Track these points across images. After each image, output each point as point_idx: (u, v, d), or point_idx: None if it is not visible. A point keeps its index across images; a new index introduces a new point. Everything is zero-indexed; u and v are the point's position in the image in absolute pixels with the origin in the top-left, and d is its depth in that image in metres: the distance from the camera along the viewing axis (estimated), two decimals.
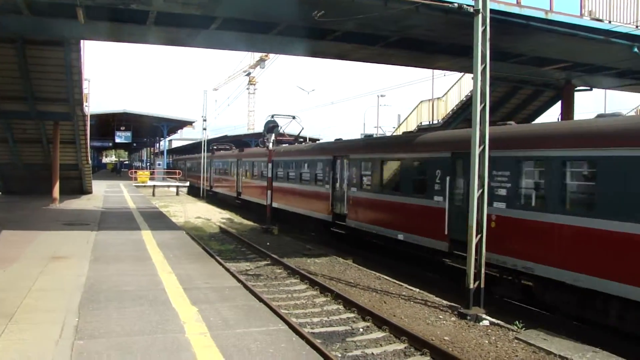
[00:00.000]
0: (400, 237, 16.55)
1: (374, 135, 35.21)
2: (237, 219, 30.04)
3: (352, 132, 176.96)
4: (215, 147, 50.70)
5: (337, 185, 21.09)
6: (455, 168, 14.44)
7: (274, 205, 26.02)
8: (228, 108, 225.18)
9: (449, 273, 15.06)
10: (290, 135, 33.69)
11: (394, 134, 34.67)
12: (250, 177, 32.57)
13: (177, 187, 48.54)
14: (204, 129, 51.94)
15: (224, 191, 38.79)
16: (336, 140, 23.69)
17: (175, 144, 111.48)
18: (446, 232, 14.43)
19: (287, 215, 25.23)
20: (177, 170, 58.46)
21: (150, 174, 56.20)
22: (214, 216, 30.27)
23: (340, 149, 21.48)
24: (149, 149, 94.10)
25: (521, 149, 12.35)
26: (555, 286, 11.46)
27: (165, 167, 61.09)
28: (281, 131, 26.23)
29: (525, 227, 11.99)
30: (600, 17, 16.09)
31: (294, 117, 26.89)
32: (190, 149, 77.98)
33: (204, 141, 49.76)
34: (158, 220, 22.17)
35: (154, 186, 46.60)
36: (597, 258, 10.39)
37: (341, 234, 20.26)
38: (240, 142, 65.43)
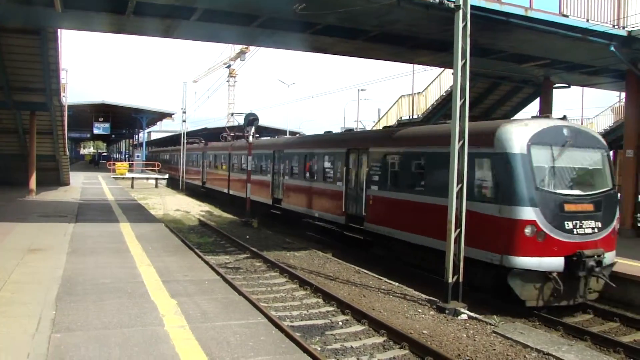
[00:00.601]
0: (316, 214, 21.14)
1: (356, 129, 37.43)
2: (217, 211, 29.93)
3: (332, 126, 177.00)
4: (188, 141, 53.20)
5: (276, 175, 25.51)
6: (349, 161, 19.02)
7: (232, 192, 31.71)
8: (208, 100, 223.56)
9: (347, 241, 19.10)
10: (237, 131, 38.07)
11: (374, 128, 34.81)
12: (212, 168, 37.10)
13: (156, 179, 48.15)
14: (184, 121, 51.56)
15: (193, 181, 43.64)
16: (278, 137, 29.79)
17: (155, 136, 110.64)
18: (343, 209, 19.07)
19: (242, 200, 28.06)
20: (156, 163, 58.03)
21: (129, 166, 55.70)
22: (193, 209, 30.11)
23: (279, 145, 25.88)
24: (127, 140, 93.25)
25: (385, 147, 16.83)
26: (404, 245, 15.71)
27: (144, 159, 60.54)
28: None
29: (388, 204, 16.50)
30: (578, 16, 16.29)
31: (232, 114, 36.00)
32: (169, 141, 77.50)
33: (183, 133, 49.42)
34: (137, 213, 21.99)
35: (133, 178, 46.16)
36: (425, 223, 14.64)
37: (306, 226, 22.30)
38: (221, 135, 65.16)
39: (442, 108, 28.09)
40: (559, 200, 12.32)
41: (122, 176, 49.24)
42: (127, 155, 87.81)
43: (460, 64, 11.82)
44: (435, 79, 28.73)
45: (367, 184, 17.65)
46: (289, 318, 11.04)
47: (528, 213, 12.06)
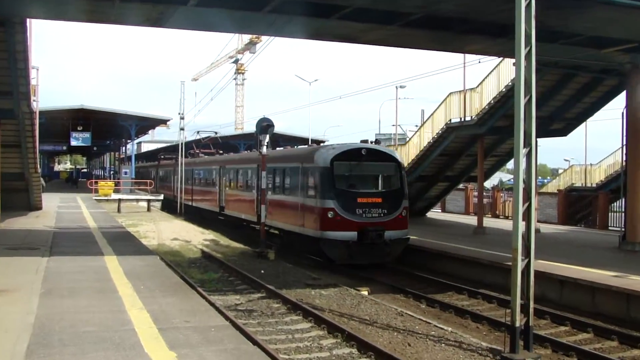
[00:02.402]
0: (243, 216, 33.94)
1: (392, 136, 43.40)
2: (224, 240, 30.08)
3: (364, 132, 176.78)
4: (163, 157, 62.86)
5: (222, 187, 38.24)
6: (259, 173, 28.91)
7: (192, 204, 45.30)
8: (212, 103, 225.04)
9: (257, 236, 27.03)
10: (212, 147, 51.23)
11: (417, 132, 34.95)
12: (198, 185, 46.49)
13: (149, 201, 48.56)
14: (182, 128, 52.21)
15: (168, 195, 53.48)
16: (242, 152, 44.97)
17: (147, 147, 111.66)
18: (255, 211, 30.87)
19: (199, 210, 44.11)
20: (148, 181, 58.60)
21: (115, 185, 56.17)
22: (194, 237, 30.30)
23: (224, 161, 39.80)
24: (112, 153, 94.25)
25: (271, 163, 27.64)
26: (285, 233, 26.99)
27: (134, 177, 61.01)
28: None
29: (274, 204, 27.57)
30: None
31: (215, 133, 54.70)
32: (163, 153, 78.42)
33: (181, 144, 49.91)
34: (125, 243, 22.14)
35: (120, 200, 46.60)
36: (288, 215, 25.94)
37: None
38: (228, 145, 65.72)
39: (502, 107, 27.91)
40: (352, 195, 23.29)
41: (106, 198, 49.68)
42: (112, 172, 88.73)
43: (523, 52, 11.75)
44: (491, 71, 28.55)
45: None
46: None
47: (330, 203, 23.06)
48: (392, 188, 24.33)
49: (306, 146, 29.39)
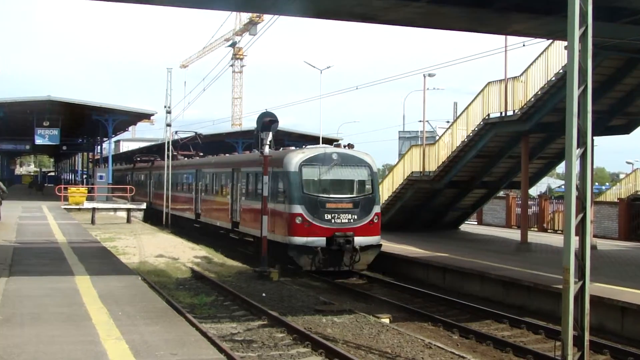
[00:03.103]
0: (218, 224, 37.24)
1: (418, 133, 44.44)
2: (218, 257, 30.11)
3: (388, 129, 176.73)
4: (138, 159, 68.31)
5: (199, 192, 42.13)
6: (234, 177, 34.22)
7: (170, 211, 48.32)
8: (204, 94, 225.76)
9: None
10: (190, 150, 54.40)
11: (449, 130, 34.91)
12: (174, 190, 49.39)
13: (128, 210, 48.55)
14: (168, 124, 52.14)
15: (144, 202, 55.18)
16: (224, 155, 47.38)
17: (127, 147, 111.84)
18: (230, 217, 34.49)
19: (177, 218, 47.68)
20: (128, 187, 58.65)
21: (88, 192, 56.25)
22: (183, 254, 30.29)
23: (200, 165, 43.78)
24: (85, 154, 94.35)
25: (245, 167, 32.79)
26: (259, 240, 27.64)
27: (111, 182, 60.98)
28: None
29: (247, 210, 31.98)
30: None
31: (196, 133, 56.63)
32: (148, 153, 78.56)
33: (168, 142, 49.98)
34: (100, 261, 22.14)
35: (94, 209, 46.55)
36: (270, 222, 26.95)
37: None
38: (223, 144, 65.79)
39: (551, 99, 27.83)
40: (321, 200, 26.71)
41: (78, 207, 49.75)
42: (85, 176, 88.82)
43: (577, 32, 11.70)
44: (538, 56, 28.45)
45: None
46: None
47: (298, 208, 26.35)
48: (364, 193, 27.74)
49: (280, 150, 32.21)
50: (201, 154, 52.66)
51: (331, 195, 27.02)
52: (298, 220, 26.01)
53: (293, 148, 31.51)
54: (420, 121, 58.66)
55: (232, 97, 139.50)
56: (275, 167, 27.80)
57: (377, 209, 27.66)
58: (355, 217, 26.89)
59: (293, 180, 26.86)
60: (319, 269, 26.36)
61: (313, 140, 64.07)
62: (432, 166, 34.75)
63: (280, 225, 27.27)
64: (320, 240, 26.10)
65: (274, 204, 27.62)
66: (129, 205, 50.43)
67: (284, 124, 60.93)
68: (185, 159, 52.16)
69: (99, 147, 77.84)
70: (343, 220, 26.61)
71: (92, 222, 43.24)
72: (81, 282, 17.58)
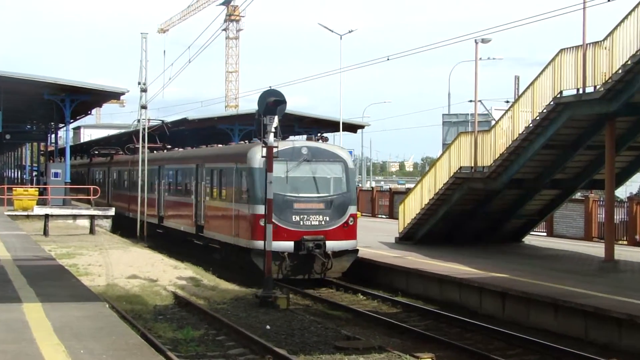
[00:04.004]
0: (182, 228, 41.14)
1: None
2: (208, 278, 30.27)
3: (424, 113, 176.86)
4: (97, 152, 73.34)
5: (161, 192, 47.07)
6: (198, 175, 38.39)
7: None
8: (190, 67, 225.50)
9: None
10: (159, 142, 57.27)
11: (508, 112, 34.52)
12: (134, 190, 52.96)
13: (92, 217, 48.33)
14: (143, 106, 51.41)
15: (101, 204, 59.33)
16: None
17: (90, 136, 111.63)
18: (194, 220, 38.86)
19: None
20: (92, 187, 58.38)
21: (40, 194, 56.06)
22: (163, 274, 30.27)
23: (163, 160, 47.90)
24: (36, 144, 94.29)
25: (210, 163, 37.81)
26: (223, 246, 34.80)
27: (69, 180, 60.44)
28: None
29: (212, 211, 36.76)
30: None
31: (163, 122, 57.72)
32: (117, 144, 78.02)
33: (143, 129, 49.76)
34: (56, 283, 22.01)
35: (47, 217, 46.45)
36: (225, 225, 34.26)
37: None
38: (214, 131, 65.53)
39: None
40: (289, 200, 30.16)
41: (26, 213, 49.73)
42: (35, 174, 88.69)
43: None
44: (629, 14, 28.17)
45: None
46: None
47: (262, 209, 27.84)
48: (337, 192, 31.41)
49: (245, 143, 37.65)
50: (169, 146, 57.51)
51: (300, 195, 30.58)
52: (262, 222, 27.59)
53: (280, 140, 32.80)
54: (470, 101, 58.48)
55: (226, 70, 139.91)
56: (240, 163, 31.85)
57: (352, 209, 31.25)
58: (327, 218, 30.54)
59: (257, 178, 30.15)
60: (286, 277, 29.69)
61: (331, 126, 64.19)
62: (487, 160, 34.14)
63: (244, 228, 30.97)
64: (287, 245, 29.44)
65: (238, 204, 31.82)
66: (92, 212, 50.33)
67: (294, 106, 60.79)
68: (155, 152, 54.52)
69: (53, 135, 77.52)
70: (313, 222, 30.26)
71: (45, 233, 43.29)
72: (31, 311, 17.38)
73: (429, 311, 25.73)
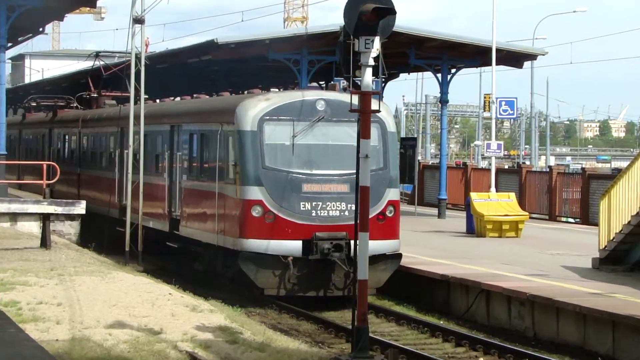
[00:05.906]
0: (150, 224, 33.01)
1: None
2: (253, 328, 22.24)
3: None
4: (35, 103, 56.23)
5: (82, 165, 43.10)
6: (122, 141, 35.54)
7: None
8: None
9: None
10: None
11: None
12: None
13: (45, 218, 36.40)
14: (138, 20, 34.27)
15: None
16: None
17: (40, 70, 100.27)
18: (117, 200, 36.24)
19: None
20: (46, 163, 44.51)
21: None
22: (172, 320, 21.64)
23: (85, 121, 43.39)
24: None
25: (187, 123, 30.16)
26: (206, 248, 27.83)
27: (3, 150, 45.63)
28: None
29: (189, 196, 29.35)
30: None
31: (97, 55, 47.60)
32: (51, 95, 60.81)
33: (137, 60, 34.46)
34: None
35: None
36: (205, 217, 27.54)
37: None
38: (264, 64, 46.90)
39: None
40: (295, 180, 23.93)
41: None
42: None
43: None
44: None
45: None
46: None
47: (254, 192, 23.54)
48: (369, 168, 20.72)
49: (232, 95, 29.74)
50: (146, 96, 37.55)
51: (312, 172, 23.96)
52: (255, 211, 23.01)
53: (278, 90, 28.02)
54: None
55: None
56: (226, 125, 25.18)
57: (392, 193, 24.40)
58: (353, 207, 20.54)
59: (248, 145, 23.78)
60: (291, 294, 23.47)
61: (474, 55, 45.96)
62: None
63: (230, 221, 24.45)
64: (293, 246, 23.19)
65: (222, 184, 25.15)
66: (45, 207, 37.46)
67: (407, 20, 46.39)
68: (122, 106, 39.44)
69: None
70: (331, 213, 23.58)
71: None
72: None
73: None
